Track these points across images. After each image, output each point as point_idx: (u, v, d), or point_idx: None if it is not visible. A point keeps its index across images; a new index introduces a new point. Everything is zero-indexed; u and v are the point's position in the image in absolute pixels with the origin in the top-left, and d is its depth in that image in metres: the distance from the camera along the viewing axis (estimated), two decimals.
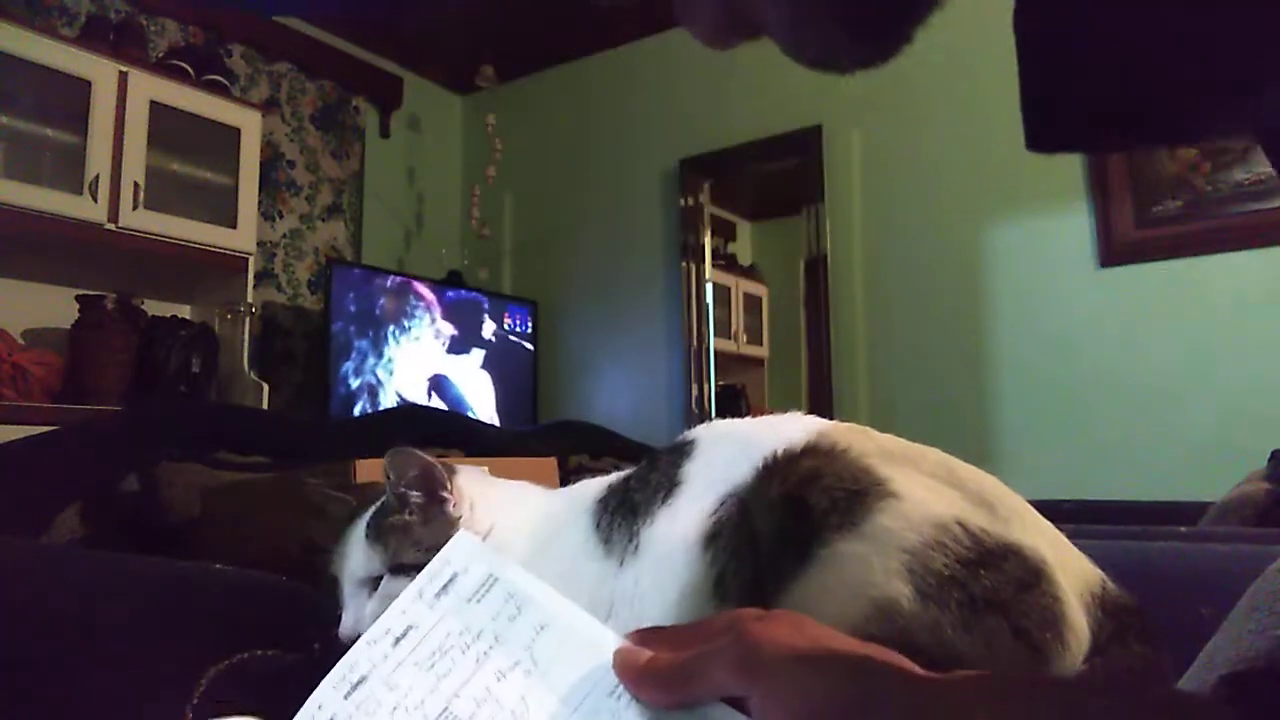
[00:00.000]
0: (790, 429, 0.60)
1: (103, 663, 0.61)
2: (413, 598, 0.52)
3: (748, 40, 0.34)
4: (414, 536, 0.67)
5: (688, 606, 0.56)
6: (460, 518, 0.68)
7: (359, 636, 0.65)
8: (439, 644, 0.49)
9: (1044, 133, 0.32)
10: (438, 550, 0.67)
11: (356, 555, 0.68)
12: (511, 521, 0.69)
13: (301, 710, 0.47)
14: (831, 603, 0.49)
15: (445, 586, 0.53)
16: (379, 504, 0.70)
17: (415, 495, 0.68)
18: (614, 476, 0.69)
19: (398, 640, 0.49)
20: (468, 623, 0.50)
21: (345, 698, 0.47)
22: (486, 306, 3.63)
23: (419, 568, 0.66)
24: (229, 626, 0.69)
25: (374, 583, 0.66)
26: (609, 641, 0.49)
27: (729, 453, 0.60)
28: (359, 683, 0.48)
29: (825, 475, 0.54)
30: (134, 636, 0.64)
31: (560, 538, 0.66)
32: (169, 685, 0.60)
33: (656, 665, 0.44)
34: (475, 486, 0.71)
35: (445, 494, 0.69)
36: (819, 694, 0.38)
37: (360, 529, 0.69)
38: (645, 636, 0.49)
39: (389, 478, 0.68)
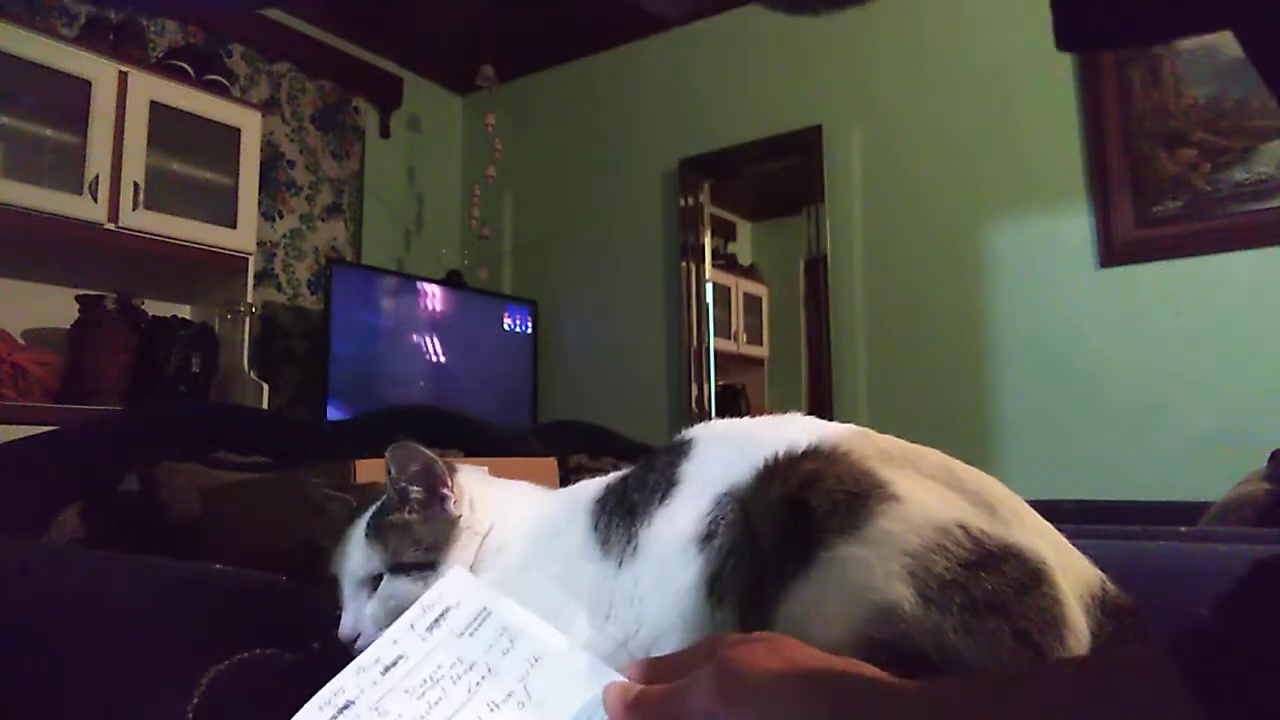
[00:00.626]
0: (790, 430, 0.60)
1: (103, 663, 0.61)
2: (404, 629, 0.52)
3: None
4: (414, 535, 0.67)
5: (686, 607, 0.56)
6: (460, 516, 0.68)
7: (358, 636, 0.65)
8: (430, 674, 0.50)
9: (1072, 28, 0.33)
10: (437, 549, 0.67)
11: (356, 554, 0.68)
12: (511, 522, 0.69)
13: None
14: (832, 606, 0.49)
15: (437, 620, 0.53)
16: (379, 503, 0.70)
17: (416, 491, 0.68)
18: (612, 477, 0.68)
19: (387, 669, 0.50)
20: (460, 654, 0.51)
21: None
22: (486, 306, 3.63)
23: (419, 567, 0.66)
24: (229, 626, 0.69)
25: (373, 582, 0.66)
26: (603, 675, 0.49)
27: (727, 453, 0.60)
28: (344, 707, 0.48)
29: (826, 477, 0.53)
30: (134, 636, 0.64)
31: (558, 539, 0.66)
32: (169, 685, 0.60)
33: (644, 699, 0.45)
34: (475, 485, 0.71)
35: (446, 491, 0.69)
36: (796, 714, 0.39)
37: (360, 528, 0.69)
38: (639, 669, 0.50)
39: (390, 472, 0.68)
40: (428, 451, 0.68)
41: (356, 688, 0.49)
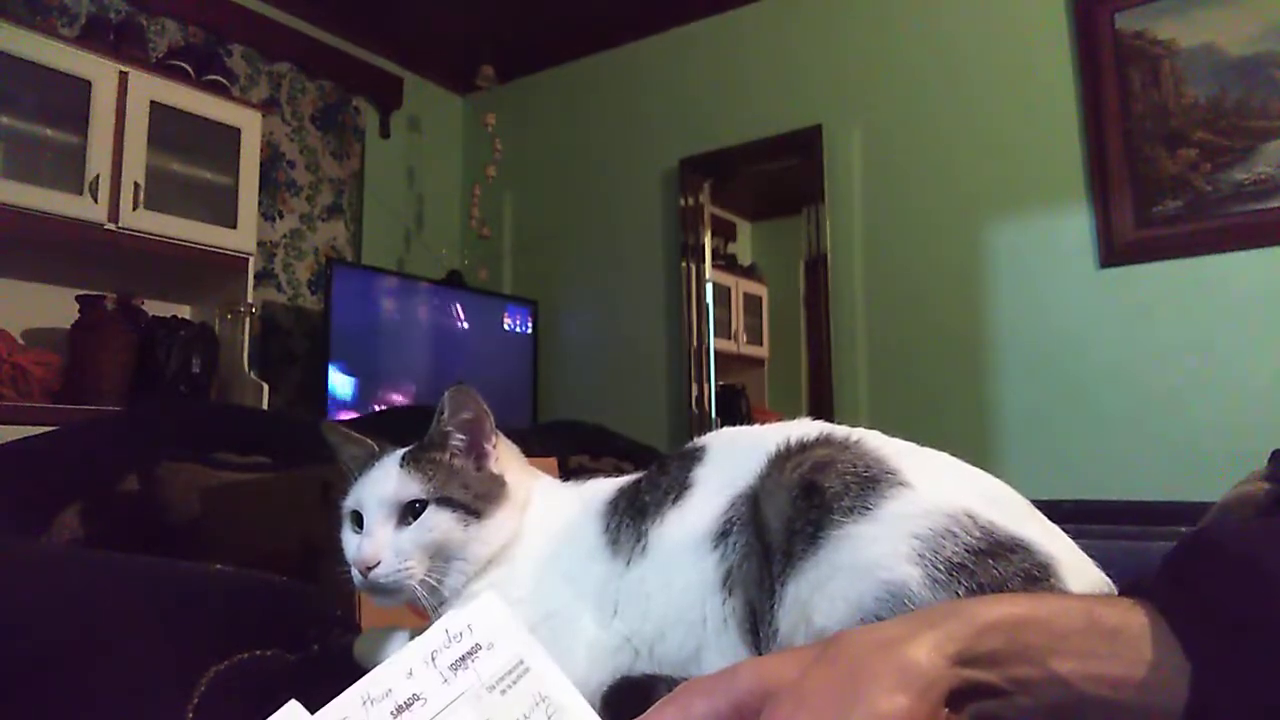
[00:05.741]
0: (801, 429, 0.61)
1: (103, 663, 0.61)
2: (423, 661, 0.45)
3: None
4: (463, 479, 0.66)
5: (694, 601, 0.57)
6: (502, 475, 0.69)
7: (377, 564, 0.62)
8: None
9: None
10: (485, 500, 0.66)
11: (391, 480, 0.65)
12: (541, 506, 0.70)
13: None
14: (840, 583, 0.50)
15: (464, 659, 0.46)
16: (417, 443, 0.69)
17: (459, 439, 0.68)
18: (625, 480, 0.69)
19: (400, 709, 0.43)
20: (489, 716, 0.44)
21: None
22: (487, 306, 3.63)
23: (465, 509, 0.64)
24: (229, 626, 0.69)
25: (405, 510, 0.65)
26: None
27: (741, 456, 0.61)
28: None
29: (839, 461, 0.55)
30: (134, 637, 0.64)
31: (573, 538, 0.66)
32: (169, 685, 0.60)
33: None
34: (516, 458, 0.72)
35: (489, 447, 0.69)
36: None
37: (394, 458, 0.67)
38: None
39: (442, 413, 0.68)
40: (484, 404, 0.69)
41: None
